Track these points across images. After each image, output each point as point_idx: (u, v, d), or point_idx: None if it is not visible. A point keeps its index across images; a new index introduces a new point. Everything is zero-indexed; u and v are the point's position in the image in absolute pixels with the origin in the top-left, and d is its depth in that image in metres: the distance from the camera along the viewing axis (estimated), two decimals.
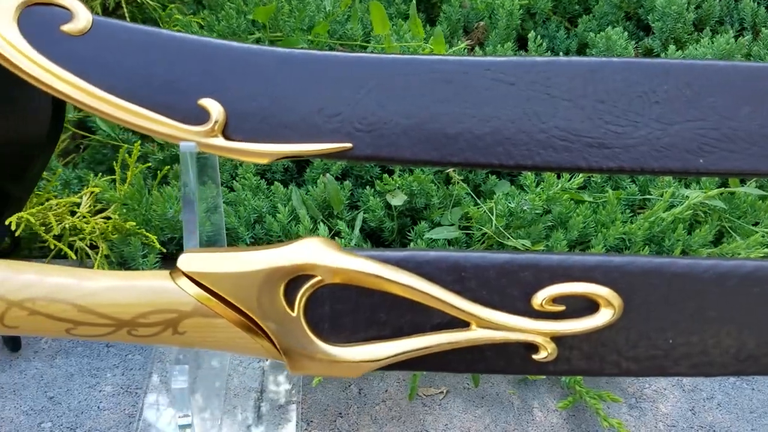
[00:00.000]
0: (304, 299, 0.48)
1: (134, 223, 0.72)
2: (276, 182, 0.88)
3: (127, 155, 0.77)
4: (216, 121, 0.51)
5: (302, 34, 0.99)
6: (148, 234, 0.74)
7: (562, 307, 0.48)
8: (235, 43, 0.52)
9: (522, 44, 1.13)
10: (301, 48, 0.86)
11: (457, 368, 0.50)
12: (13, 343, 0.71)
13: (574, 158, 0.52)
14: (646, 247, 0.81)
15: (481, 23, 1.13)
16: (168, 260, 0.83)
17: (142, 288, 0.46)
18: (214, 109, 0.51)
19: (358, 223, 0.82)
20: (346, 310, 0.49)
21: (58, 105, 0.65)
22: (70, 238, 0.78)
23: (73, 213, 0.77)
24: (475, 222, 0.80)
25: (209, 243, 0.67)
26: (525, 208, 0.79)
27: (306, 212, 0.86)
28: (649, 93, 0.53)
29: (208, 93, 0.51)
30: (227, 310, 0.46)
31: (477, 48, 1.10)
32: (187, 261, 0.47)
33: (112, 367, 0.71)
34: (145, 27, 0.52)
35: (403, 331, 0.49)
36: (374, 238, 0.89)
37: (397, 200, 0.82)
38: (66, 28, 0.51)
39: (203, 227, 0.71)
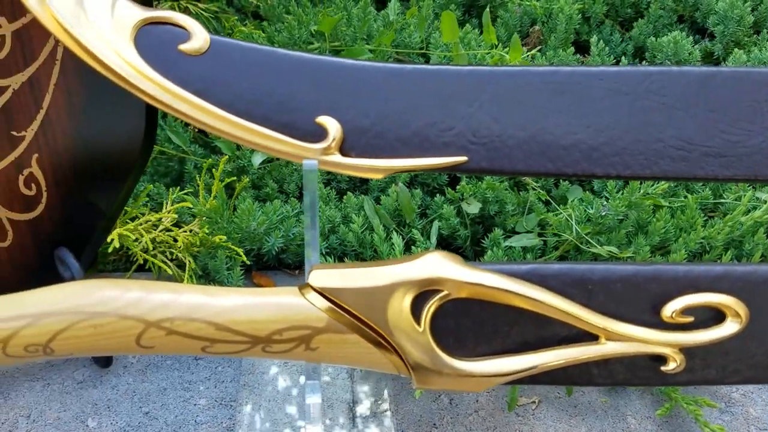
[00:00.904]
0: (430, 313, 0.48)
1: (224, 237, 0.73)
2: (348, 192, 0.89)
3: (214, 170, 0.77)
4: (334, 138, 0.51)
5: (362, 43, 0.99)
6: (234, 247, 0.75)
7: (690, 318, 0.48)
8: (349, 60, 0.52)
9: (578, 48, 1.13)
10: (367, 59, 0.87)
11: (583, 381, 0.50)
12: (106, 360, 0.71)
13: (691, 167, 0.52)
14: (727, 251, 0.80)
15: (537, 27, 1.13)
16: (249, 272, 0.84)
17: (276, 305, 0.47)
18: (332, 126, 0.51)
19: (435, 232, 0.82)
20: (470, 324, 0.49)
21: (151, 114, 0.65)
22: (152, 252, 0.78)
23: (154, 226, 0.77)
24: (554, 228, 0.80)
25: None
26: (604, 213, 0.79)
27: (379, 221, 0.87)
28: (760, 102, 0.53)
29: (325, 110, 0.52)
30: (359, 325, 0.47)
31: (536, 53, 1.10)
32: (318, 277, 0.47)
33: (204, 380, 0.72)
34: (261, 46, 0.52)
35: (529, 345, 0.49)
36: (446, 247, 0.89)
37: (473, 208, 0.82)
38: (183, 47, 0.51)
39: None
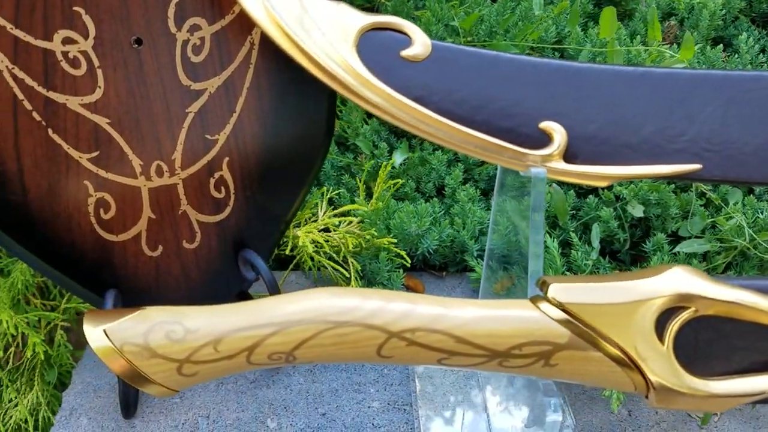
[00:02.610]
0: (674, 331, 0.46)
1: (393, 240, 0.72)
2: (491, 192, 0.87)
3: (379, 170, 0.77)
4: (559, 145, 0.49)
5: (500, 38, 0.97)
6: (398, 250, 0.74)
7: None
8: (574, 63, 0.51)
9: (714, 44, 1.08)
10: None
11: None
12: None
13: None
14: None
15: (673, 22, 1.09)
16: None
17: (514, 319, 0.45)
18: (557, 132, 0.49)
19: (597, 235, 0.79)
20: (711, 340, 0.47)
21: (331, 114, 0.65)
22: (309, 253, 0.78)
23: (321, 229, 0.77)
24: (724, 233, 0.77)
25: (496, 257, 0.66)
26: None
27: (525, 224, 0.85)
28: None
29: (549, 116, 0.50)
30: (604, 343, 0.45)
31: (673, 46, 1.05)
32: (559, 291, 0.46)
33: (373, 382, 0.71)
34: (484, 51, 0.51)
35: None
36: (604, 250, 0.86)
37: (637, 210, 0.80)
38: (405, 53, 0.50)
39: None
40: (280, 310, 0.45)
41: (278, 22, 0.49)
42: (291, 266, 0.80)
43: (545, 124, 0.49)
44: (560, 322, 0.45)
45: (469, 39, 1.02)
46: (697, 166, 0.49)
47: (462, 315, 0.45)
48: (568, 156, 0.50)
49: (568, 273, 0.79)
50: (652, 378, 0.46)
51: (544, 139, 0.50)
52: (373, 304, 0.45)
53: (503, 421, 0.63)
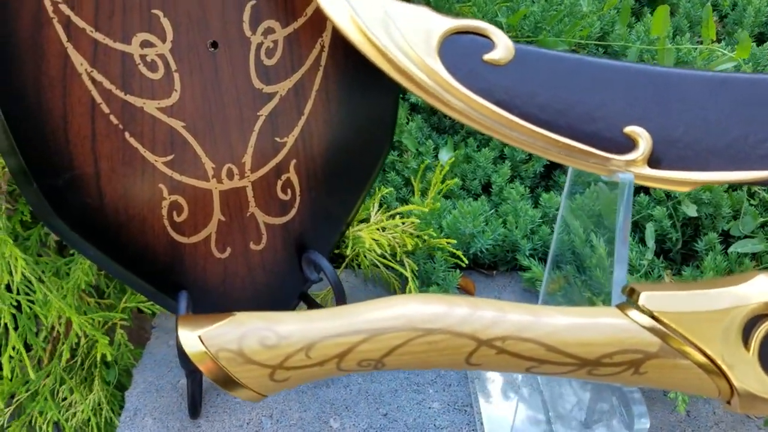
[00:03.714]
0: (759, 338, 0.46)
1: (452, 240, 0.72)
2: (548, 192, 0.87)
3: (433, 170, 0.77)
4: (643, 150, 0.49)
5: (547, 34, 0.97)
6: (455, 250, 0.74)
7: None
8: (659, 68, 0.50)
9: (758, 41, 1.07)
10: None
11: None
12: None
13: None
14: None
15: (715, 18, 1.08)
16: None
17: (604, 327, 0.46)
18: (643, 137, 0.49)
19: (651, 235, 0.79)
20: None
21: (394, 115, 0.64)
22: (363, 252, 0.78)
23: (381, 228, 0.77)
24: None
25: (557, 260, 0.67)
26: None
27: (578, 223, 0.85)
28: None
29: (634, 120, 0.50)
30: (692, 350, 0.45)
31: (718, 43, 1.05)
32: (651, 299, 0.46)
33: (431, 383, 0.72)
34: (567, 54, 0.51)
35: None
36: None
37: (691, 210, 0.79)
38: (488, 57, 0.50)
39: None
40: (371, 316, 0.45)
41: (360, 27, 0.49)
42: (344, 265, 0.80)
43: (630, 129, 0.49)
44: (650, 330, 0.45)
45: (513, 34, 1.02)
46: None
47: (552, 323, 0.45)
48: (652, 161, 0.50)
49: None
50: (737, 384, 0.46)
51: (629, 144, 0.49)
52: (461, 311, 0.45)
53: (564, 422, 0.63)
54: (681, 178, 0.50)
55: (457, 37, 0.50)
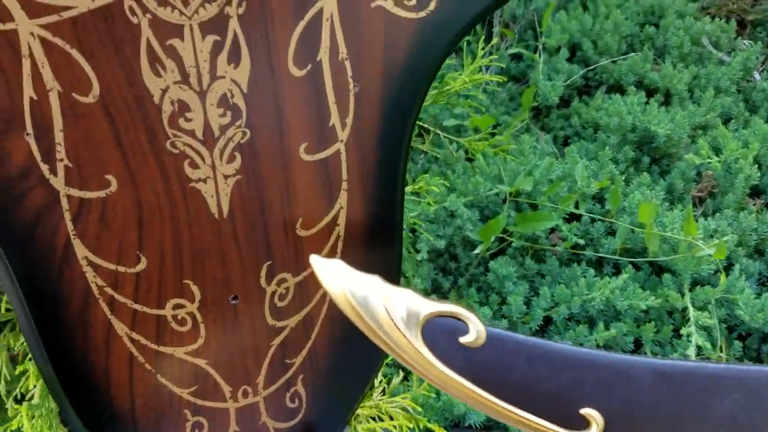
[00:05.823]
0: None
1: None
2: None
3: None
4: (595, 431, 0.57)
5: (544, 199, 1.05)
6: None
7: None
8: (615, 355, 0.58)
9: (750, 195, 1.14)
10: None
11: None
12: None
13: None
14: None
15: (709, 172, 1.15)
16: None
17: None
18: (596, 418, 0.57)
19: None
20: None
21: None
22: None
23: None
24: None
25: None
26: None
27: None
28: None
29: (589, 402, 0.58)
30: None
31: (708, 200, 1.11)
32: None
33: None
34: (531, 339, 0.59)
35: None
36: None
37: None
38: (463, 340, 0.58)
39: None
40: None
41: (352, 304, 0.58)
42: None
43: (585, 411, 0.57)
44: None
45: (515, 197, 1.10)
46: None
47: None
48: None
49: None
50: None
51: (584, 423, 0.57)
52: None
53: None
54: None
55: (438, 320, 0.58)
